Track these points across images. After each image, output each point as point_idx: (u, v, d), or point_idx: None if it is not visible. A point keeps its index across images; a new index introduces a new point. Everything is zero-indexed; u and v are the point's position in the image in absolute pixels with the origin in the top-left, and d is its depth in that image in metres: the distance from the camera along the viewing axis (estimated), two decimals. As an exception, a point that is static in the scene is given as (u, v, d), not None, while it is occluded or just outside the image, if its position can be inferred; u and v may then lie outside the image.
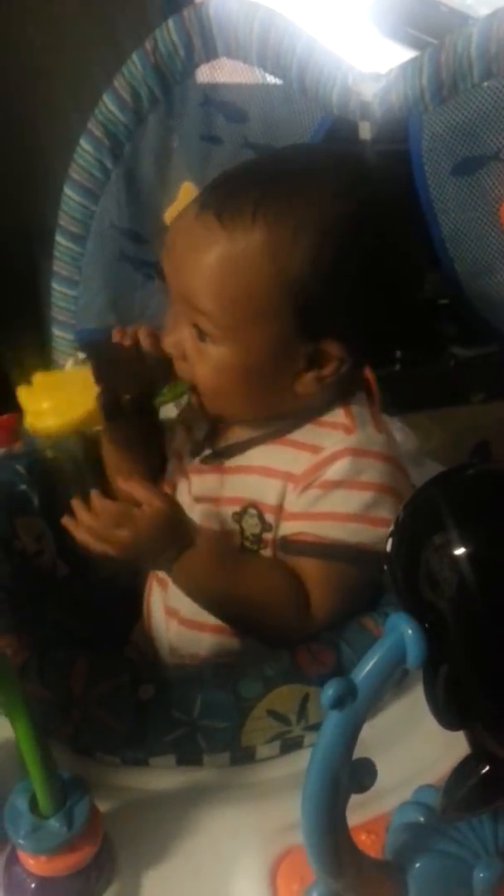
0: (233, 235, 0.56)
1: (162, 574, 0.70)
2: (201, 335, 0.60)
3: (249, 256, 0.56)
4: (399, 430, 0.98)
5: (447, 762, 0.56)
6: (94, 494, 0.59)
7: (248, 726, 0.55)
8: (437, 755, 0.55)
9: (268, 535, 0.64)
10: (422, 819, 0.48)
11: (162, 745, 0.55)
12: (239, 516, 0.64)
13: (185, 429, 0.72)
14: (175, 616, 0.68)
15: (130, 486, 0.60)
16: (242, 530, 0.64)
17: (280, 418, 0.64)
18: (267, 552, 0.64)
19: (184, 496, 0.69)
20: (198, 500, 0.67)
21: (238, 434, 0.67)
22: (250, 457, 0.65)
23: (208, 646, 0.66)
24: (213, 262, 0.57)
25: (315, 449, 0.62)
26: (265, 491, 0.63)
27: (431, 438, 1.57)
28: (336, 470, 0.61)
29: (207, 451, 0.68)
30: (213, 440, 0.69)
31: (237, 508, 0.65)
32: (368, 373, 0.78)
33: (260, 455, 0.65)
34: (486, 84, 0.75)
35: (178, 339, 0.62)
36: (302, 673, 0.57)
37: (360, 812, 0.49)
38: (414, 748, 0.57)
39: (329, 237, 0.56)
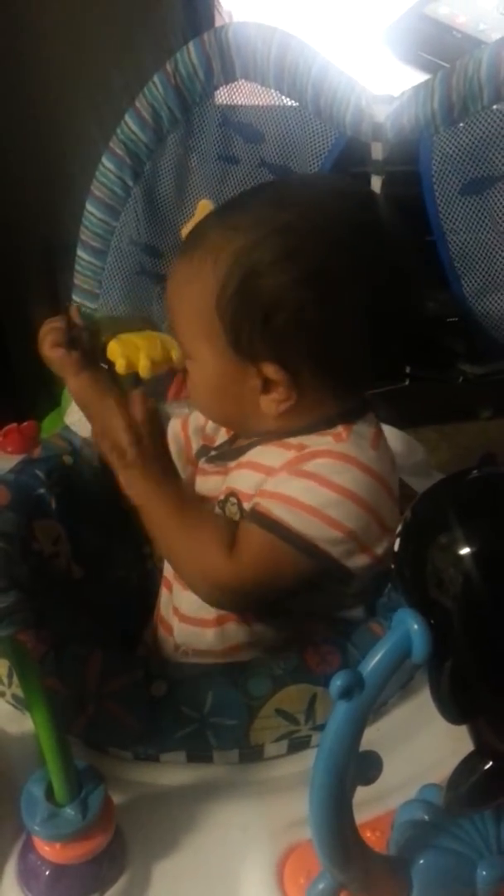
0: (180, 264, 0.64)
1: (168, 575, 0.72)
2: (187, 355, 0.67)
3: (186, 280, 0.63)
4: (405, 442, 1.00)
5: (452, 763, 0.57)
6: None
7: (256, 724, 0.57)
8: (441, 756, 0.56)
9: None
10: (426, 817, 0.49)
11: (173, 742, 0.57)
12: (223, 504, 0.67)
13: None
14: (177, 614, 0.70)
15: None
16: (225, 516, 0.67)
17: (281, 431, 0.65)
18: None
19: None
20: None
21: (245, 438, 0.70)
22: (248, 455, 0.67)
23: (210, 640, 0.67)
24: (173, 289, 0.66)
25: (301, 447, 0.63)
26: (248, 482, 0.65)
27: (439, 453, 1.58)
28: (311, 465, 0.61)
29: (212, 453, 0.71)
30: (230, 443, 0.72)
31: (222, 497, 0.67)
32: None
33: (255, 453, 0.67)
34: (495, 107, 0.78)
35: (180, 355, 0.71)
36: (310, 673, 0.58)
37: (366, 810, 0.50)
38: (419, 750, 0.59)
39: (238, 265, 0.60)
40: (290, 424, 0.64)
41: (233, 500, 0.66)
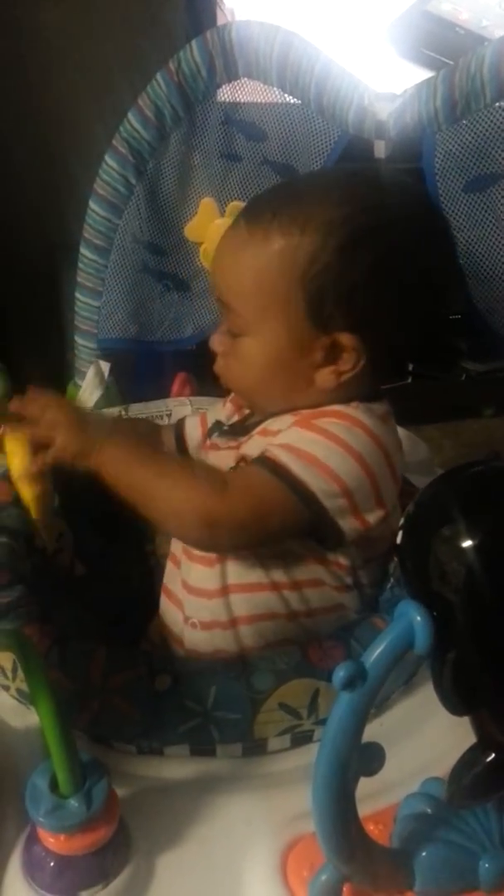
0: (254, 239, 0.63)
1: (176, 551, 0.73)
2: (232, 332, 0.66)
3: (265, 255, 0.63)
4: (409, 440, 1.00)
5: (454, 757, 0.57)
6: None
7: (260, 718, 0.57)
8: (444, 750, 0.56)
9: None
10: (428, 809, 0.50)
11: (176, 735, 0.57)
12: (234, 468, 0.67)
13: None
14: (185, 586, 0.70)
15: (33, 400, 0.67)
16: None
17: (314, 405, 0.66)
18: None
19: None
20: None
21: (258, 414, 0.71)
22: (260, 426, 0.69)
23: (216, 610, 0.67)
24: (238, 263, 0.64)
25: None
26: (257, 447, 0.66)
27: (442, 451, 1.58)
28: (320, 421, 0.63)
29: (224, 428, 0.72)
30: (242, 422, 0.73)
31: (233, 463, 0.68)
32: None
33: (266, 423, 0.68)
34: (498, 104, 0.77)
35: (219, 338, 0.68)
36: (313, 667, 0.58)
37: (369, 804, 0.50)
38: (421, 744, 0.59)
39: (332, 236, 0.62)
40: (331, 398, 0.65)
41: (242, 465, 0.66)
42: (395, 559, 0.46)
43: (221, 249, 0.67)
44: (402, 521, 0.42)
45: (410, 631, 0.37)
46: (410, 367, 1.58)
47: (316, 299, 0.62)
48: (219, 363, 0.69)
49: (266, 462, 0.62)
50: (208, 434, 0.75)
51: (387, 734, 0.58)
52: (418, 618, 0.37)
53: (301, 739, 0.59)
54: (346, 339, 0.63)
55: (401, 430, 1.02)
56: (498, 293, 0.88)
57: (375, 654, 0.37)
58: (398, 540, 0.42)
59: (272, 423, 0.67)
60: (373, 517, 0.63)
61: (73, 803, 0.47)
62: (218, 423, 0.75)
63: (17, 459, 0.67)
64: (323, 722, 0.58)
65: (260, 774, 0.58)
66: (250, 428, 0.69)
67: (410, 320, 0.65)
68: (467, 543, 0.39)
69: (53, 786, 0.48)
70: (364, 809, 0.45)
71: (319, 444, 0.61)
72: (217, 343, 0.68)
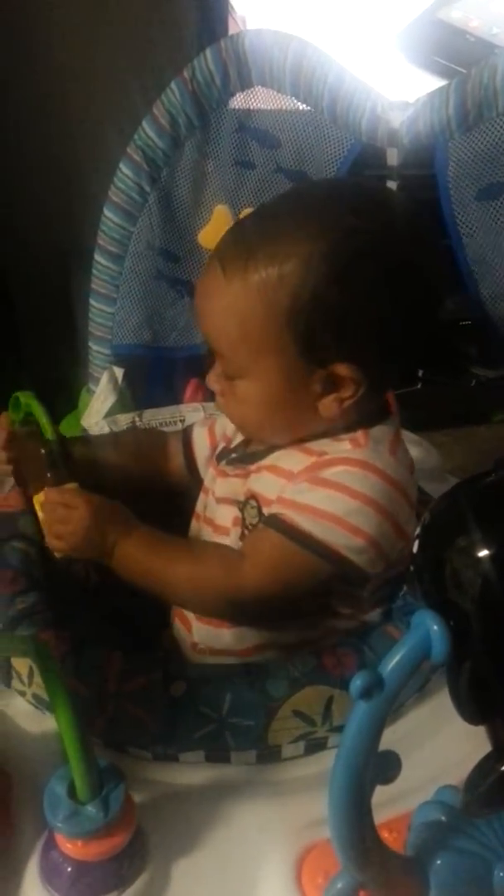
0: (231, 282, 0.60)
1: None
2: (226, 375, 0.65)
3: (245, 299, 0.60)
4: (419, 447, 1.00)
5: (469, 765, 0.57)
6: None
7: (274, 725, 0.57)
8: (459, 758, 0.56)
9: None
10: (443, 818, 0.50)
11: (191, 742, 0.57)
12: (242, 506, 0.67)
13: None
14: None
15: (60, 493, 0.66)
16: (244, 519, 0.67)
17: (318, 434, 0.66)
18: None
19: (202, 499, 0.73)
20: (219, 501, 0.70)
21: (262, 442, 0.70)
22: (268, 459, 0.68)
23: (227, 640, 0.67)
24: (218, 309, 0.62)
25: (321, 454, 0.64)
26: (268, 486, 0.66)
27: (453, 457, 1.58)
28: (332, 473, 0.62)
29: (232, 455, 0.71)
30: (245, 445, 0.72)
31: (242, 499, 0.68)
32: (389, 394, 0.80)
33: (275, 457, 0.67)
34: (510, 113, 0.78)
35: (214, 378, 0.66)
36: (327, 675, 0.59)
37: (383, 811, 0.50)
38: (436, 752, 0.59)
39: (312, 270, 0.58)
40: (337, 424, 0.65)
41: (253, 503, 0.66)
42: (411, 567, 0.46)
43: (201, 296, 0.64)
44: (417, 530, 0.42)
45: (427, 640, 0.37)
46: (420, 373, 1.58)
47: (305, 336, 0.60)
48: (219, 402, 0.68)
49: (285, 528, 0.61)
50: (217, 459, 0.73)
51: (401, 741, 0.58)
52: (435, 627, 0.37)
53: (315, 746, 0.60)
54: (342, 369, 0.61)
55: (412, 437, 1.02)
56: (508, 298, 0.89)
57: (392, 662, 0.38)
58: (414, 549, 0.42)
59: (282, 460, 0.66)
60: (396, 552, 0.63)
61: (91, 809, 0.48)
62: (226, 451, 0.73)
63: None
64: (337, 729, 0.59)
65: (274, 781, 0.58)
66: (258, 456, 0.68)
67: (405, 337, 0.63)
68: (483, 553, 0.39)
69: (71, 792, 0.48)
70: (378, 817, 0.45)
71: (337, 500, 0.60)
72: (213, 383, 0.67)
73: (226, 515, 0.69)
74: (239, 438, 0.73)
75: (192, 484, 0.77)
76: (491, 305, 0.89)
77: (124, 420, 0.90)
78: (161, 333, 0.97)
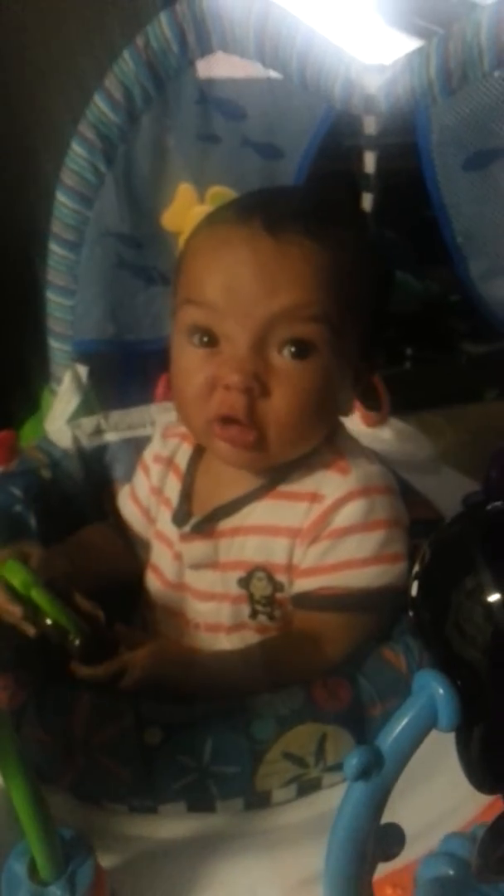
0: (328, 245, 0.57)
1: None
2: (302, 351, 0.57)
3: (346, 263, 0.58)
4: (414, 439, 0.95)
5: (476, 802, 0.53)
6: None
7: (262, 770, 0.51)
8: (464, 796, 0.52)
9: (281, 595, 0.62)
10: (451, 872, 0.45)
11: (171, 793, 0.51)
12: (245, 581, 0.62)
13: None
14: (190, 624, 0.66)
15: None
16: (251, 595, 0.62)
17: (275, 468, 0.62)
18: (280, 612, 0.62)
19: (173, 565, 0.67)
20: (195, 567, 0.64)
21: (222, 494, 0.64)
22: (246, 516, 0.62)
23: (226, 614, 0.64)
24: (320, 270, 0.56)
25: (314, 497, 0.60)
26: (272, 551, 0.61)
27: (444, 437, 1.54)
28: (345, 516, 0.59)
29: (196, 519, 0.64)
30: (190, 503, 0.66)
31: (241, 573, 0.62)
32: (377, 381, 0.75)
33: (257, 514, 0.62)
34: (497, 73, 0.71)
35: (263, 366, 0.57)
36: (318, 710, 0.53)
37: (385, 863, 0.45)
38: (439, 790, 0.53)
39: (364, 257, 0.60)
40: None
41: (260, 574, 0.61)
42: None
43: (270, 265, 0.56)
44: (415, 568, 0.36)
45: (432, 706, 0.32)
46: (409, 352, 1.53)
47: (375, 319, 0.61)
48: (252, 407, 0.57)
49: (337, 603, 0.59)
50: (176, 522, 0.66)
51: (400, 781, 0.53)
52: (440, 691, 0.31)
53: (308, 788, 0.54)
54: (372, 362, 0.63)
55: (404, 427, 0.98)
56: (499, 273, 0.83)
57: (392, 735, 0.32)
58: (413, 592, 0.36)
59: (269, 516, 0.61)
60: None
61: (55, 891, 0.42)
62: (183, 512, 0.66)
63: (19, 577, 0.58)
64: (331, 768, 0.54)
65: (264, 830, 0.53)
66: (225, 512, 0.63)
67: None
68: (495, 597, 0.33)
69: (32, 870, 0.42)
70: (380, 869, 0.40)
71: (367, 540, 0.59)
72: (258, 378, 0.56)
73: (202, 580, 0.64)
74: (174, 491, 0.68)
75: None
76: (480, 280, 0.84)
77: (88, 424, 0.84)
78: (127, 326, 0.90)
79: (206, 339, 0.58)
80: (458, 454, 1.20)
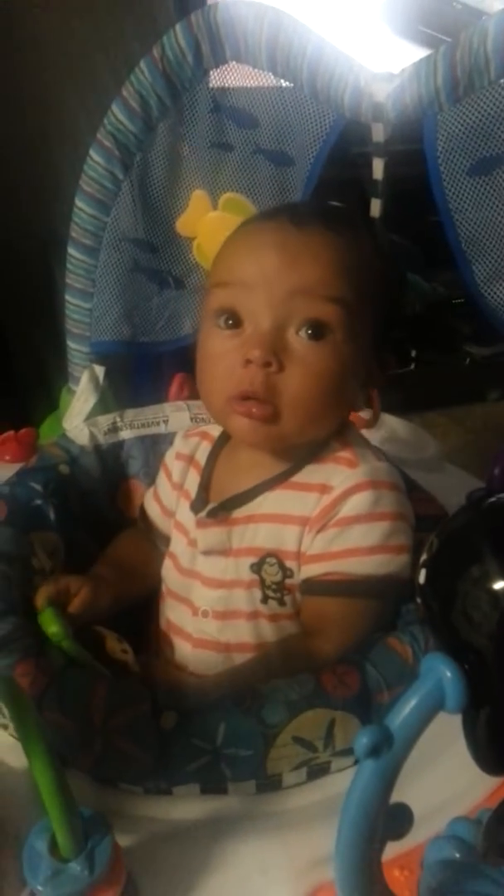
0: (347, 239, 0.62)
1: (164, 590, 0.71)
2: (318, 331, 0.60)
3: (363, 256, 0.63)
4: (418, 437, 0.96)
5: (482, 786, 0.54)
6: None
7: (273, 754, 0.54)
8: (471, 780, 0.53)
9: (290, 581, 0.64)
10: (457, 854, 0.46)
11: (185, 775, 0.54)
12: (257, 567, 0.64)
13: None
14: (189, 639, 0.68)
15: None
16: (262, 580, 0.64)
17: (287, 459, 0.65)
18: (290, 598, 0.64)
19: (188, 551, 0.69)
20: (207, 553, 0.67)
21: (238, 484, 0.66)
22: (259, 505, 0.65)
23: (220, 662, 0.65)
24: (339, 256, 0.61)
25: (323, 488, 0.63)
26: (283, 538, 0.63)
27: (448, 437, 1.55)
28: (352, 506, 0.61)
29: (212, 505, 0.67)
30: (208, 493, 0.69)
31: (253, 559, 0.64)
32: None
33: (269, 503, 0.65)
34: (502, 81, 0.73)
35: (282, 345, 0.60)
36: (327, 696, 0.55)
37: (390, 845, 0.47)
38: (446, 771, 0.55)
39: (378, 258, 0.64)
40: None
41: (271, 560, 0.63)
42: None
43: (296, 248, 0.61)
44: (423, 556, 0.38)
45: (440, 688, 0.33)
46: (414, 354, 1.55)
47: (389, 312, 0.64)
48: (271, 381, 0.60)
49: (342, 587, 0.61)
50: (194, 510, 0.69)
51: (405, 765, 0.55)
52: (448, 673, 0.33)
53: (318, 772, 0.56)
54: (388, 355, 0.65)
55: (408, 426, 0.99)
56: (502, 276, 0.84)
57: (402, 715, 0.34)
58: (421, 580, 0.38)
59: (279, 505, 0.64)
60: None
61: (75, 867, 0.44)
62: (201, 500, 0.69)
63: (53, 629, 0.63)
64: (340, 753, 0.55)
65: (275, 812, 0.55)
66: (240, 501, 0.66)
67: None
68: (501, 585, 0.35)
69: (53, 847, 0.44)
70: (387, 852, 0.42)
71: (373, 529, 0.61)
72: (278, 354, 0.60)
73: (213, 568, 0.66)
74: (194, 484, 0.70)
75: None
76: (484, 283, 0.85)
77: (104, 422, 0.86)
78: (142, 328, 0.92)
79: (230, 321, 0.62)
80: (462, 453, 1.22)
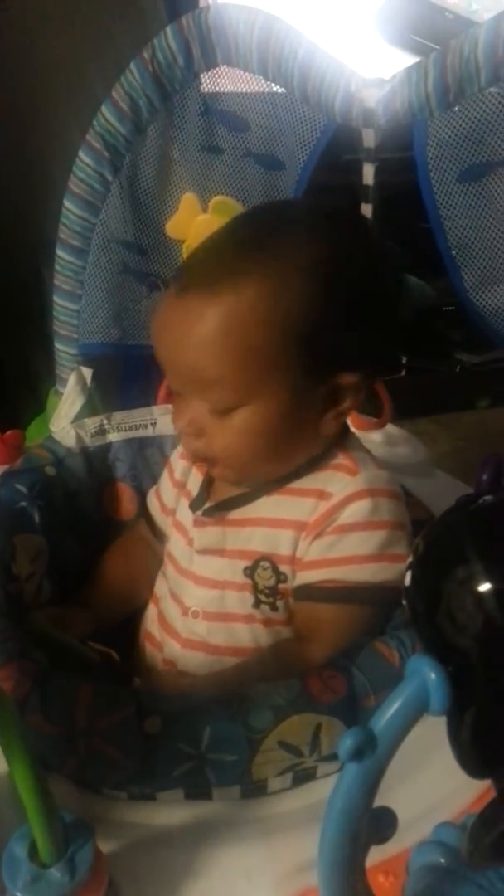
0: (224, 300, 0.57)
1: (157, 592, 0.71)
2: (217, 408, 0.60)
3: (244, 314, 0.57)
4: (408, 442, 0.96)
5: (468, 792, 0.54)
6: None
7: (258, 759, 0.53)
8: (457, 784, 0.53)
9: (283, 586, 0.64)
10: (442, 860, 0.46)
11: (170, 780, 0.53)
12: (251, 570, 0.64)
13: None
14: (177, 638, 0.67)
15: None
16: (255, 584, 0.64)
17: (286, 466, 0.64)
18: (283, 603, 0.64)
19: (185, 550, 0.69)
20: (202, 552, 0.67)
21: (239, 486, 0.66)
22: (255, 509, 0.65)
23: (209, 664, 0.65)
24: (212, 331, 0.57)
25: (321, 494, 0.62)
26: (277, 542, 0.63)
27: (438, 444, 1.56)
28: (350, 513, 0.61)
29: (209, 504, 0.67)
30: (209, 492, 0.69)
31: (247, 563, 0.64)
32: (380, 388, 0.76)
33: (266, 507, 0.64)
34: (492, 89, 0.73)
35: (193, 416, 0.61)
36: (313, 701, 0.55)
37: (375, 851, 0.46)
38: (432, 777, 0.55)
39: (312, 279, 0.58)
40: (328, 441, 0.63)
41: (265, 563, 0.63)
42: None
43: (174, 322, 0.59)
44: (409, 558, 0.38)
45: (424, 690, 0.33)
46: (404, 361, 1.55)
47: (313, 348, 0.58)
48: (195, 444, 0.62)
49: (337, 594, 0.61)
50: (192, 508, 0.69)
51: (392, 767, 0.54)
52: (432, 675, 0.33)
53: (303, 778, 0.55)
54: (347, 379, 0.60)
55: (398, 431, 0.99)
56: (494, 286, 0.85)
57: (385, 718, 0.33)
58: (406, 581, 0.37)
59: (276, 509, 0.64)
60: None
61: (55, 873, 0.43)
62: (200, 498, 0.70)
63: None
64: (326, 758, 0.55)
65: (260, 818, 0.54)
66: (237, 503, 0.66)
67: (390, 334, 0.66)
68: (485, 586, 0.34)
69: (33, 853, 0.44)
70: (372, 858, 0.42)
71: (371, 537, 0.61)
72: (189, 425, 0.61)
73: (208, 567, 0.66)
74: (196, 484, 0.70)
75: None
76: (473, 291, 0.86)
77: (91, 424, 0.85)
78: (130, 331, 0.92)
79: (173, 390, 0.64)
80: (452, 459, 1.22)
